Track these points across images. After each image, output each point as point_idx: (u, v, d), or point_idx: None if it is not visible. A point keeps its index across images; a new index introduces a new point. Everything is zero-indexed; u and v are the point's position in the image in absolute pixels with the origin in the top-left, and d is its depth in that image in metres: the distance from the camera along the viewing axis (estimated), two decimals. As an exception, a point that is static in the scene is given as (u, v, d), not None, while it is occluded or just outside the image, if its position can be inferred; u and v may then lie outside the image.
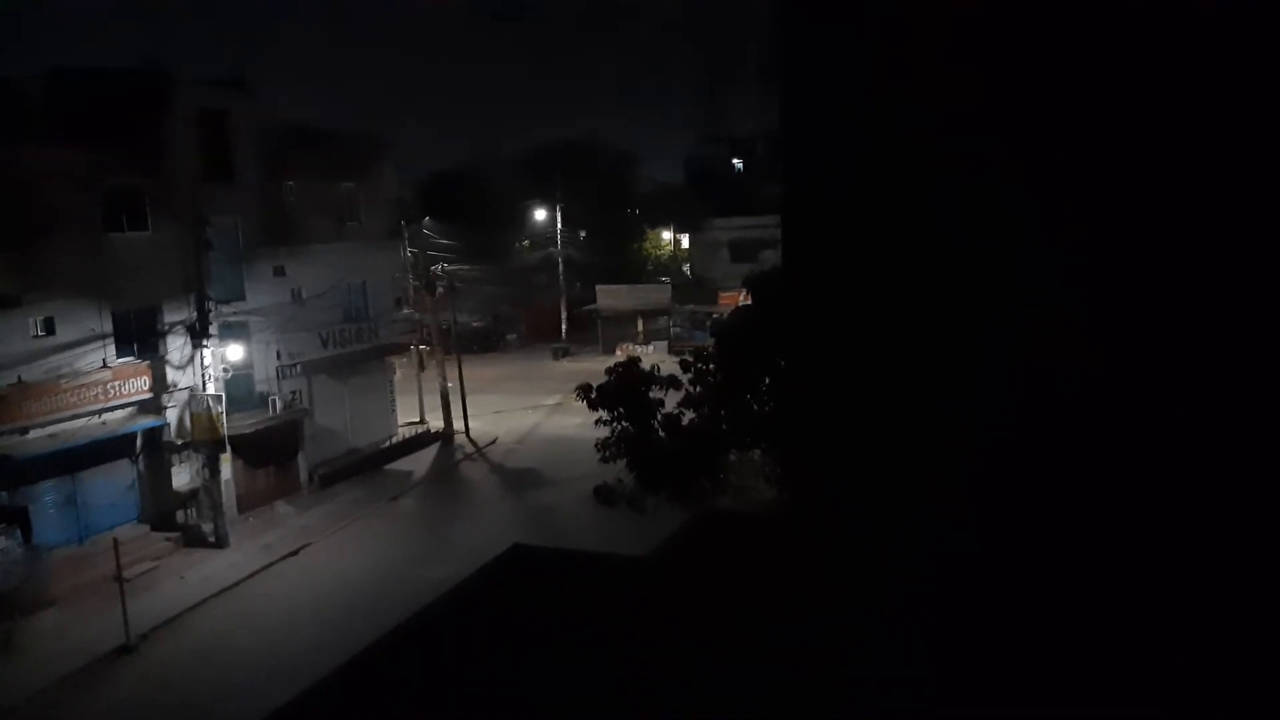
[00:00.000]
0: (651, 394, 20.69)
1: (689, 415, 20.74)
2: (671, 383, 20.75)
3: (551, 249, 55.26)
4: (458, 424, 35.56)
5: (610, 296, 53.41)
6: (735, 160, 65.82)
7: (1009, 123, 3.85)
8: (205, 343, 24.81)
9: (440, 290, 37.50)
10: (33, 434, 21.51)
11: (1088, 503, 3.86)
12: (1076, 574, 3.92)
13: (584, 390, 20.57)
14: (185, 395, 24.87)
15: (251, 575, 22.49)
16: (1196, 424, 3.61)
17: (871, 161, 4.14)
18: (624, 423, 20.43)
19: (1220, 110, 3.45)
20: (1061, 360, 3.82)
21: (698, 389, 20.87)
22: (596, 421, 20.60)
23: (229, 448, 25.17)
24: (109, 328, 23.34)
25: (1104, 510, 3.85)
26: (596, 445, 20.62)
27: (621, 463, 20.64)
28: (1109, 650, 3.83)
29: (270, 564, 23.18)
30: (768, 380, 20.20)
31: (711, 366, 20.95)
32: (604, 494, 21.15)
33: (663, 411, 20.64)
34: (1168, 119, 3.56)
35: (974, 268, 3.97)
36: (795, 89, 4.41)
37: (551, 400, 39.62)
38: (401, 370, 37.23)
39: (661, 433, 20.44)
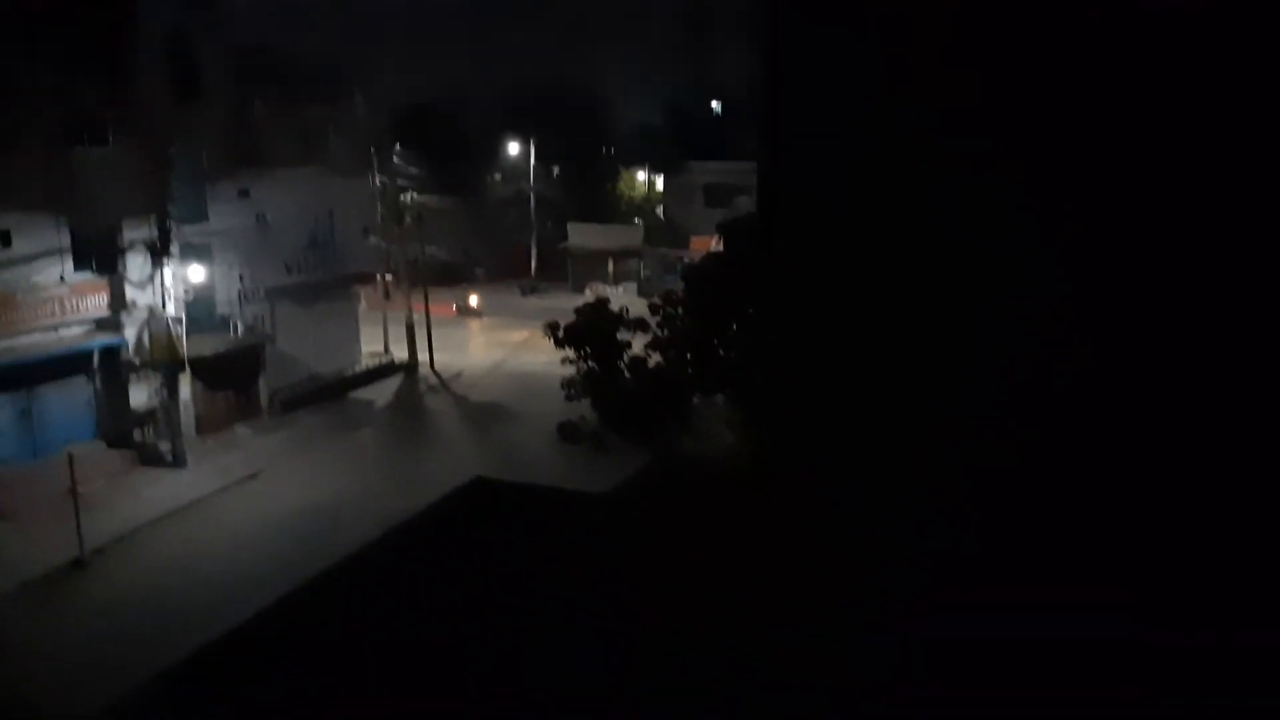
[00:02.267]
0: (619, 336, 20.70)
1: (655, 358, 20.79)
2: (640, 325, 20.76)
3: (524, 185, 54.57)
4: (422, 356, 35.37)
5: (581, 235, 52.99)
6: (714, 103, 65.02)
7: (981, 69, 3.82)
8: (166, 262, 24.36)
9: (408, 220, 36.97)
10: (-14, 346, 21.11)
11: (1063, 459, 3.89)
12: (1063, 552, 3.96)
13: (551, 328, 20.53)
14: (144, 315, 24.46)
15: (208, 496, 22.39)
16: (1192, 420, 3.63)
17: (850, 113, 4.10)
18: (590, 363, 20.45)
19: (1220, 110, 3.44)
20: (1036, 327, 3.83)
21: (665, 333, 20.91)
22: (563, 360, 20.59)
23: (188, 369, 24.87)
24: (67, 242, 22.81)
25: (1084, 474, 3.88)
26: (562, 384, 20.63)
27: (586, 401, 20.70)
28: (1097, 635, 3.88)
29: (227, 486, 23.08)
30: (735, 327, 20.28)
31: (680, 311, 20.97)
32: (568, 432, 21.23)
33: (629, 354, 20.68)
34: (1167, 118, 3.54)
35: (943, 221, 3.96)
36: (777, 36, 4.35)
37: (518, 336, 39.49)
38: (366, 300, 36.84)
39: (628, 374, 20.50)
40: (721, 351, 20.31)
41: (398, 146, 41.88)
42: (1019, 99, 3.82)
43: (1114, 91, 3.69)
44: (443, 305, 42.82)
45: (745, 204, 36.09)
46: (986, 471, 4.11)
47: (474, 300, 46.36)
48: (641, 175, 63.39)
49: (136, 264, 24.38)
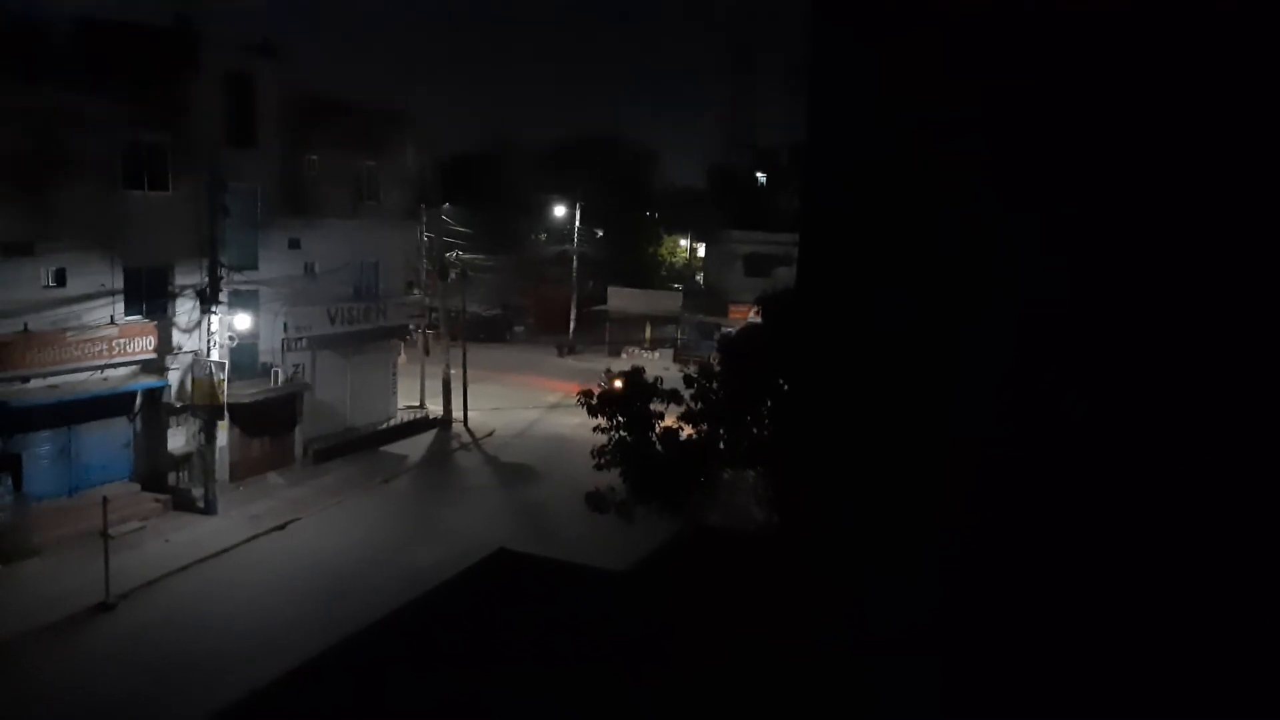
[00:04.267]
0: (652, 406, 20.65)
1: (688, 430, 20.69)
2: (673, 398, 20.70)
3: (568, 246, 55.14)
4: (457, 413, 35.56)
5: (621, 299, 53.36)
6: (759, 174, 65.78)
7: (1033, 155, 3.81)
8: (214, 309, 24.83)
9: (453, 276, 37.49)
10: (33, 383, 21.56)
11: (1094, 530, 3.81)
12: (1075, 603, 3.88)
13: (585, 395, 20.56)
14: (189, 359, 24.90)
15: (237, 545, 22.50)
16: (1198, 427, 3.57)
17: (891, 189, 4.11)
18: (622, 432, 20.39)
19: (1222, 110, 3.44)
20: (1070, 390, 3.79)
21: (699, 405, 20.81)
22: (595, 428, 20.57)
23: (227, 415, 25.20)
24: (120, 284, 23.37)
25: (1110, 531, 3.80)
26: (592, 452, 20.59)
27: (615, 470, 20.58)
28: (1107, 672, 3.79)
29: (256, 535, 23.19)
30: (769, 403, 20.16)
31: (714, 384, 20.90)
32: (595, 501, 21.10)
33: (661, 425, 20.59)
34: (1170, 119, 3.53)
35: (986, 301, 3.93)
36: (822, 117, 4.39)
37: (552, 398, 39.63)
38: (406, 353, 37.23)
39: (659, 446, 20.39)
40: (755, 428, 20.17)
41: (446, 204, 42.61)
42: (1087, 164, 3.79)
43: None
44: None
45: (785, 275, 36.15)
46: (1015, 580, 4.04)
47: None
48: (684, 241, 64.01)
49: (185, 309, 24.91)
